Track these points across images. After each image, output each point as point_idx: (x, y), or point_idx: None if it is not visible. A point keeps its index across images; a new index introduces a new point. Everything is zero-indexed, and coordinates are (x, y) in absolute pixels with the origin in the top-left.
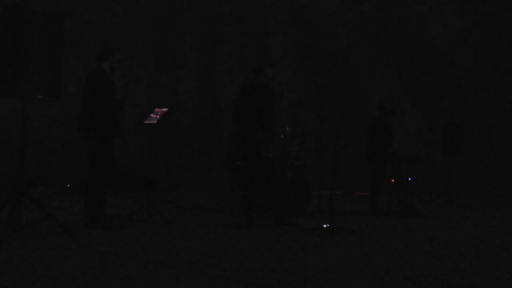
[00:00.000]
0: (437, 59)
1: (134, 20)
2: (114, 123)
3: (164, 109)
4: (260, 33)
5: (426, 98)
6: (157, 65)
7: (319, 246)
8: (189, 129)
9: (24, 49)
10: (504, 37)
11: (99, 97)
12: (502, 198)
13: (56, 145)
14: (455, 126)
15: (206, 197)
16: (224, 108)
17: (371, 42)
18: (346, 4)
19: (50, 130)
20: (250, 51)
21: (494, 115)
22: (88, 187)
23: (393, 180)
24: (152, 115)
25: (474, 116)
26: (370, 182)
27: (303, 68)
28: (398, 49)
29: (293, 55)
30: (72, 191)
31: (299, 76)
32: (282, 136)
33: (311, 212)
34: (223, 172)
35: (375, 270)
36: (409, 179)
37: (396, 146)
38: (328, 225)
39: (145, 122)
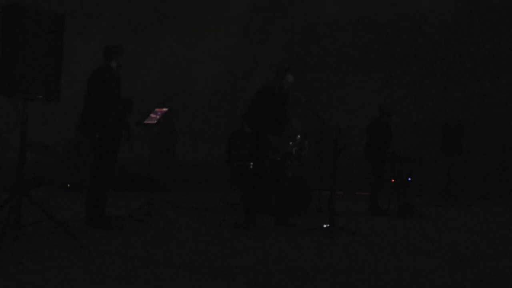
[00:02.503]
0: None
1: None
2: (119, 123)
3: (164, 109)
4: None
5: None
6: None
7: (319, 246)
8: (190, 128)
9: (24, 49)
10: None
11: (106, 95)
12: (502, 198)
13: (56, 145)
14: (455, 126)
15: (206, 197)
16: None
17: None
18: (345, 4)
19: (50, 130)
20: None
21: (493, 114)
22: (91, 187)
23: (393, 180)
24: (152, 115)
25: (474, 116)
26: (370, 182)
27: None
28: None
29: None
30: (72, 191)
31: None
32: (291, 143)
33: (311, 212)
34: (223, 172)
35: (375, 270)
36: (409, 179)
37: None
38: (328, 225)
39: (145, 122)
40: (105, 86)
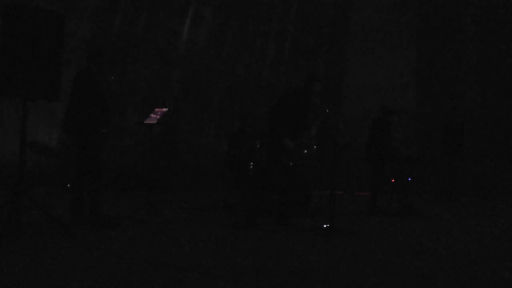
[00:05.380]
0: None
1: None
2: (97, 125)
3: (164, 109)
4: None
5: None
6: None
7: (319, 246)
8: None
9: (24, 49)
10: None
11: (84, 98)
12: (502, 198)
13: (56, 144)
14: (455, 126)
15: (206, 197)
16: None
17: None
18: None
19: (50, 130)
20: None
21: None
22: (75, 187)
23: (393, 180)
24: (152, 115)
25: (474, 116)
26: (370, 182)
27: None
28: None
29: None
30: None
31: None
32: (306, 151)
33: (311, 212)
34: (223, 172)
35: (375, 270)
36: (409, 179)
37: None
38: (328, 225)
39: (145, 122)
40: (84, 90)
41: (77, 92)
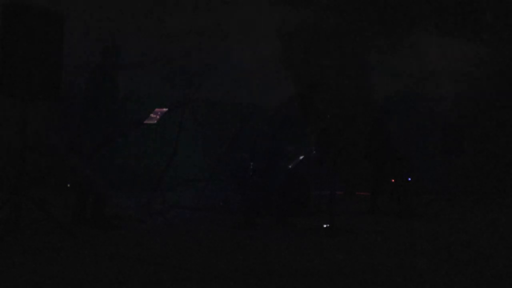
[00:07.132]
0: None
1: None
2: (112, 123)
3: (164, 109)
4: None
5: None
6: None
7: (319, 246)
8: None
9: (24, 49)
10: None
11: (99, 95)
12: (502, 198)
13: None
14: (455, 126)
15: (206, 197)
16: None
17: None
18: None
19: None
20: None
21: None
22: (82, 186)
23: (393, 180)
24: (152, 115)
25: (474, 116)
26: (370, 182)
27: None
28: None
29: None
30: (72, 191)
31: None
32: (301, 158)
33: (311, 212)
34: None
35: (375, 270)
36: (409, 179)
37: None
38: (328, 225)
39: (145, 122)
40: (99, 87)
41: (91, 90)
